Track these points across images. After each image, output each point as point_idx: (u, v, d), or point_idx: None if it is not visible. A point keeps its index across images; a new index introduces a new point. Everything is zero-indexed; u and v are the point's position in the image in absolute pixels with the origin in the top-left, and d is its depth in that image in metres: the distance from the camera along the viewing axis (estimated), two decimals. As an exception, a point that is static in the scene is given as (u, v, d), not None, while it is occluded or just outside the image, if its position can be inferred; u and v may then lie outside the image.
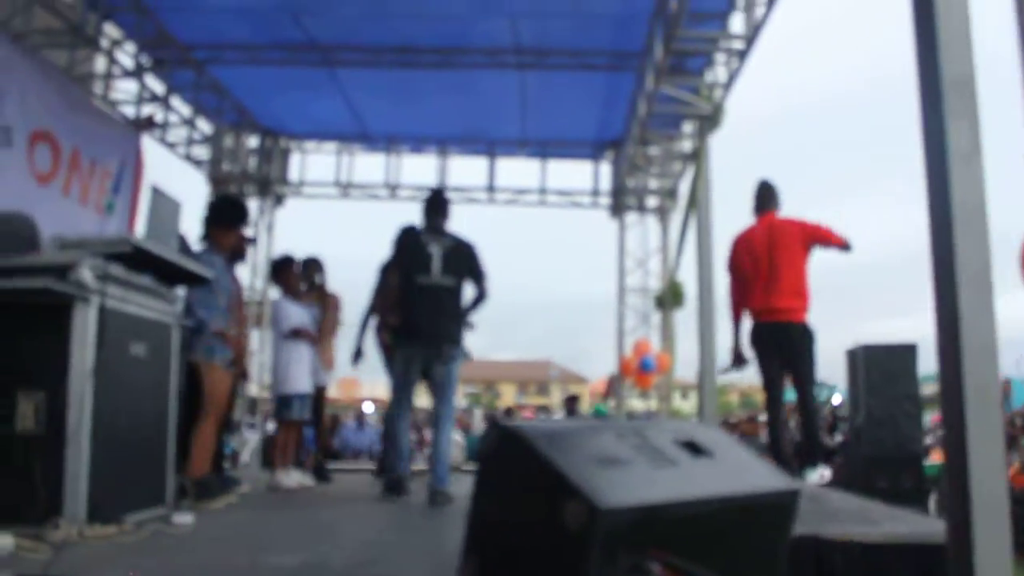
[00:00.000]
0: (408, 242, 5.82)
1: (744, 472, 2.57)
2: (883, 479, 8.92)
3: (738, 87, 7.30)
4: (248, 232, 6.27)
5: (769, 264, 5.68)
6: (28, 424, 3.89)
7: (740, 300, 5.90)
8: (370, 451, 12.78)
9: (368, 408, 21.63)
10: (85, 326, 3.96)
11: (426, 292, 5.66)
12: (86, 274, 3.95)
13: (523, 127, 10.68)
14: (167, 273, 4.87)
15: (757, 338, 5.82)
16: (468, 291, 5.88)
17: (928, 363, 10.91)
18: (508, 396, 55.92)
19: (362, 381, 41.85)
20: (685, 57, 7.37)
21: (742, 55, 6.94)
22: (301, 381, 6.65)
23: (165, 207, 4.82)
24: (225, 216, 5.81)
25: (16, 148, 6.01)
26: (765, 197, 5.96)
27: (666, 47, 6.74)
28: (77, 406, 3.88)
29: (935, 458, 10.88)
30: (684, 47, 6.98)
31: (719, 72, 7.60)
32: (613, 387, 19.80)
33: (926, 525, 4.18)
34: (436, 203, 5.89)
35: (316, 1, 7.33)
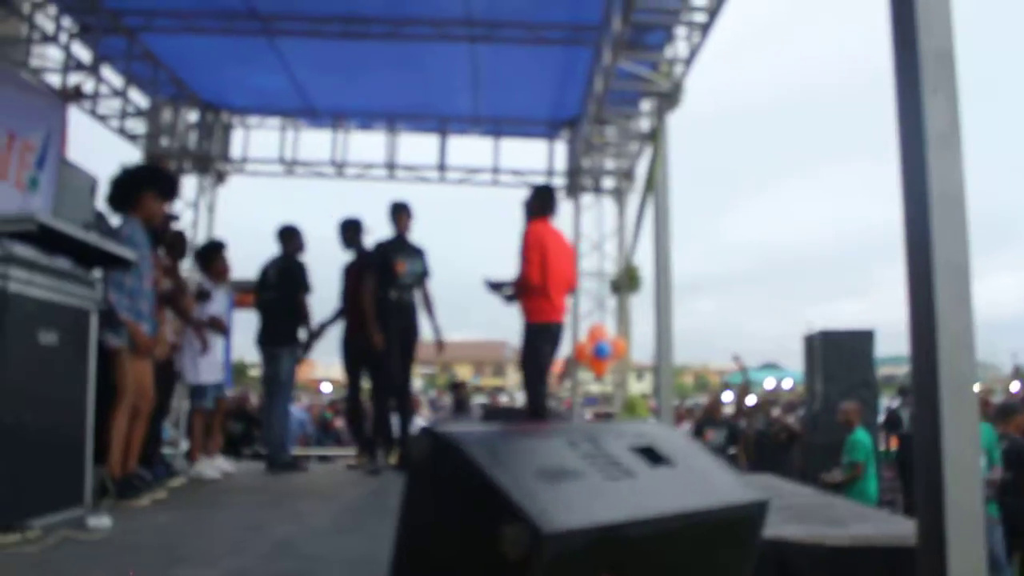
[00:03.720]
0: (262, 268, 7.22)
1: (708, 483, 2.31)
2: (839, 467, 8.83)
3: (706, 77, 7.07)
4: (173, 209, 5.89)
5: (566, 269, 6.33)
6: None
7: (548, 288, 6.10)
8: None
9: (326, 388, 21.77)
10: (-17, 313, 3.59)
11: (261, 305, 7.09)
12: (-17, 255, 3.58)
13: (475, 104, 10.33)
14: (84, 254, 4.48)
15: (553, 336, 6.24)
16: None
17: (883, 346, 10.91)
18: (464, 377, 55.65)
19: (316, 362, 41.30)
20: (644, 31, 7.08)
21: (704, 28, 6.66)
22: (214, 371, 6.63)
23: (78, 182, 4.41)
24: (158, 183, 5.31)
25: (-78, 118, 5.53)
26: (552, 202, 6.35)
27: (624, 19, 6.42)
28: (-27, 401, 3.52)
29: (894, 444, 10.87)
30: (643, 19, 6.68)
31: (679, 47, 7.31)
32: (569, 369, 19.61)
33: (894, 526, 4.00)
34: (279, 233, 7.23)
35: (252, -35, 6.91)
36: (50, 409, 4.13)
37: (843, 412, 8.74)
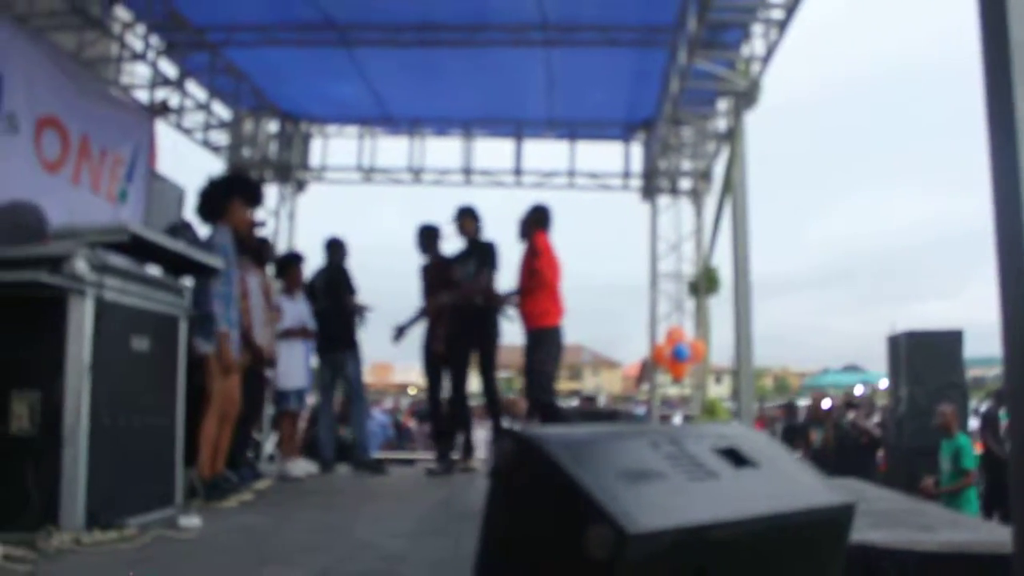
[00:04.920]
0: (309, 280, 7.46)
1: (793, 485, 2.27)
2: (928, 472, 8.54)
3: (777, 64, 6.91)
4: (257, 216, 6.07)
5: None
6: (23, 425, 3.71)
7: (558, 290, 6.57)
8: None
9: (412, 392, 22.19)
10: (81, 320, 3.77)
11: (317, 315, 7.21)
12: (81, 265, 3.74)
13: (550, 107, 10.34)
14: (173, 263, 4.64)
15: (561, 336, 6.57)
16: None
17: (972, 346, 10.52)
18: (539, 381, 55.35)
19: (396, 366, 41.69)
20: (720, 30, 6.99)
21: (781, 26, 6.54)
22: (296, 376, 6.94)
23: (166, 194, 4.58)
24: (244, 190, 5.53)
25: (22, 135, 5.78)
26: (548, 219, 6.68)
27: (700, 18, 6.35)
28: (73, 405, 3.69)
29: (979, 448, 10.49)
30: (719, 18, 6.59)
31: (756, 45, 7.19)
32: (646, 372, 19.43)
33: (988, 532, 3.86)
34: (325, 245, 7.52)
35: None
36: (143, 413, 4.28)
37: (940, 415, 8.36)
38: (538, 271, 6.40)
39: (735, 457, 2.24)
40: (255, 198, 5.62)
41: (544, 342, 6.44)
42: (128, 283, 4.12)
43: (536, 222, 6.64)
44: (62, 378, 3.70)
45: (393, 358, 38.43)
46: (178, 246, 4.48)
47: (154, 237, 4.18)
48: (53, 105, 6.11)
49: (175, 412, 4.60)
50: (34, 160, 5.93)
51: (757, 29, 7.07)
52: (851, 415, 10.60)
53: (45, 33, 6.38)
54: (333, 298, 7.29)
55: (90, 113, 6.59)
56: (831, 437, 9.84)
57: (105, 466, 3.79)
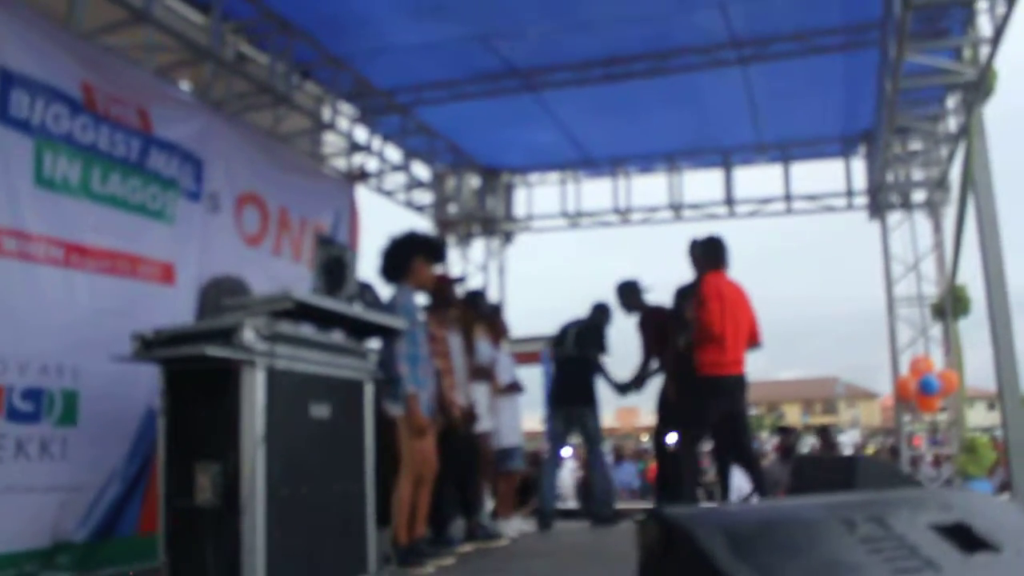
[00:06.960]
0: (562, 327, 7.64)
1: (1053, 576, 1.67)
2: None
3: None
4: (451, 272, 6.02)
5: (745, 320, 6.18)
6: (206, 496, 3.76)
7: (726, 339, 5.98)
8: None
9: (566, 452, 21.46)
10: (253, 390, 3.76)
11: (560, 363, 7.54)
12: (249, 335, 3.72)
13: (757, 130, 9.66)
14: (355, 327, 4.57)
15: (726, 390, 6.03)
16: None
17: None
18: (793, 416, 52.71)
19: (641, 409, 41.07)
20: (934, 14, 6.13)
21: (1010, -4, 5.56)
22: (516, 434, 6.81)
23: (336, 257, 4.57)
24: (425, 248, 5.48)
25: (223, 212, 6.06)
26: (721, 253, 6.25)
27: (905, 4, 5.54)
28: (249, 475, 3.67)
29: None
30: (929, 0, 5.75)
31: (981, 24, 6.20)
32: (897, 409, 17.70)
33: None
34: (594, 307, 7.65)
35: (503, 22, 6.88)
36: (328, 480, 4.21)
37: None
38: (702, 323, 5.95)
39: (965, 538, 1.68)
40: (437, 255, 5.57)
41: (701, 393, 6.07)
42: (302, 350, 4.07)
43: (707, 259, 6.24)
44: (238, 449, 3.69)
45: (639, 402, 38.03)
46: (350, 309, 4.40)
47: (320, 302, 4.12)
48: (252, 181, 6.37)
49: (364, 477, 4.50)
50: (235, 235, 6.18)
51: (980, 5, 6.09)
52: None
53: (241, 114, 6.69)
54: (581, 351, 7.34)
55: (288, 185, 6.83)
56: None
57: (286, 535, 3.74)
